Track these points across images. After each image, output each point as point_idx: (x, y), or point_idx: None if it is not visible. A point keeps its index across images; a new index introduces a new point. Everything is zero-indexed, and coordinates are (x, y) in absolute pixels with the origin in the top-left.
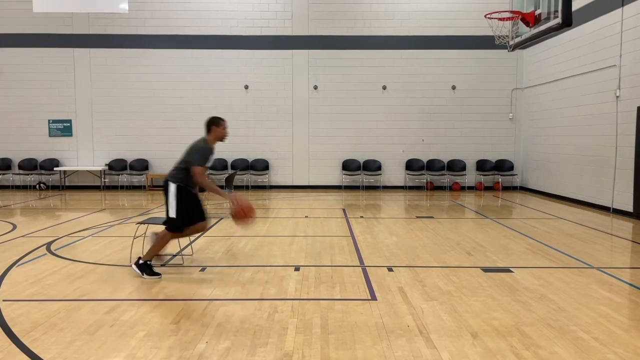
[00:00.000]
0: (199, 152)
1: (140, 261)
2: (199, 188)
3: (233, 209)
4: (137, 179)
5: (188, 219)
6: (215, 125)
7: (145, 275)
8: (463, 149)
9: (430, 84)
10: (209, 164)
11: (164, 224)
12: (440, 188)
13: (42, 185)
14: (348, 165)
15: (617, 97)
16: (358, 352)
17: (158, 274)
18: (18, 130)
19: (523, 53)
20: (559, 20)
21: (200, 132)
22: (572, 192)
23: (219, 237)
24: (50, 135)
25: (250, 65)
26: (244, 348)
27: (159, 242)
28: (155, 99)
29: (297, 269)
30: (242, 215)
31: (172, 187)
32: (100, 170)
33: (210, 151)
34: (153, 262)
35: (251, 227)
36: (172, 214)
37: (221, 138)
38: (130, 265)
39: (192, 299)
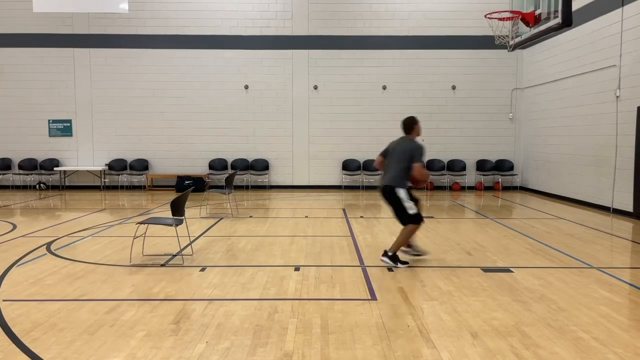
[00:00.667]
0: (419, 151)
1: (390, 253)
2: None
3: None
4: (137, 179)
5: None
6: (416, 124)
7: (399, 264)
8: (463, 149)
9: (430, 84)
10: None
11: (405, 223)
12: (440, 188)
13: (42, 185)
14: (348, 165)
15: (617, 97)
16: (358, 352)
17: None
18: (18, 130)
19: (523, 53)
20: (559, 20)
21: (200, 132)
22: (572, 192)
23: (219, 237)
24: (50, 135)
25: (250, 65)
26: (244, 348)
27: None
28: (155, 99)
29: (297, 269)
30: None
31: (402, 192)
32: (100, 170)
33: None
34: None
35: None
36: (412, 211)
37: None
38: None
39: (192, 299)
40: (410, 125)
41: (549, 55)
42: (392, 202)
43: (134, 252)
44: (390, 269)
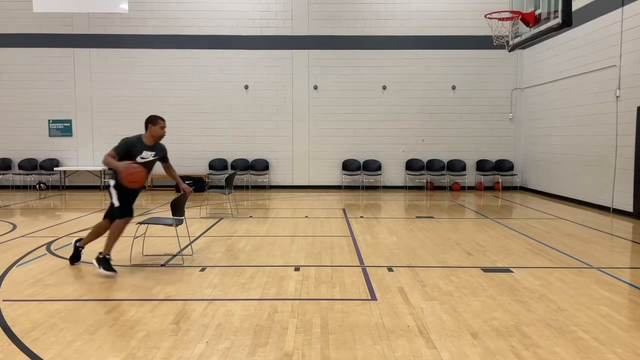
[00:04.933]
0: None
1: (100, 256)
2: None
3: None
4: None
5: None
6: (151, 122)
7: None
8: (463, 149)
9: (430, 84)
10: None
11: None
12: (440, 188)
13: (42, 185)
14: (348, 165)
15: (617, 97)
16: (358, 352)
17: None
18: (18, 130)
19: (523, 53)
20: (559, 20)
21: (200, 132)
22: (572, 192)
23: (219, 237)
24: (50, 135)
25: (250, 65)
26: (244, 348)
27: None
28: (155, 99)
29: (297, 269)
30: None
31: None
32: (100, 170)
33: (132, 145)
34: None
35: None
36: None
37: (158, 137)
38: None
39: (192, 299)
40: (145, 123)
41: (549, 55)
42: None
43: (134, 252)
44: (390, 269)
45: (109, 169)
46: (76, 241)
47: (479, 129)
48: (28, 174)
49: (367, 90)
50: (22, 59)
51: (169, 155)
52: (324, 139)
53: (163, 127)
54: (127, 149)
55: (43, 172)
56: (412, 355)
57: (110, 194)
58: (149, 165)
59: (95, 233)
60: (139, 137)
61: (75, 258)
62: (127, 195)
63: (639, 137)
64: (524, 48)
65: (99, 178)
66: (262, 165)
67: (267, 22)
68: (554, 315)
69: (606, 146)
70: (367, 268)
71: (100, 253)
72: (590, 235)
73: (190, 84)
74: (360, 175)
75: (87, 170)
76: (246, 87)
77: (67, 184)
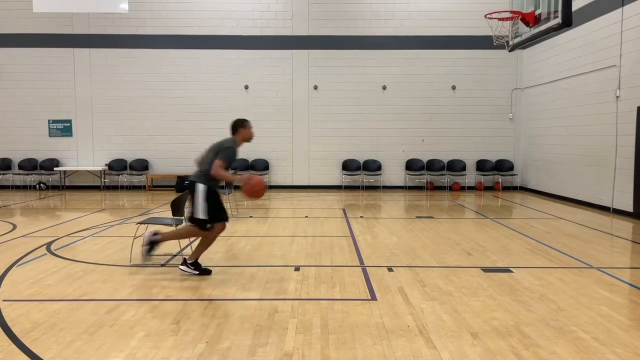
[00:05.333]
0: (225, 152)
1: (189, 261)
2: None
3: (244, 187)
4: (137, 179)
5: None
6: (242, 126)
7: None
8: (463, 149)
9: (430, 84)
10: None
11: (190, 221)
12: (440, 188)
13: (42, 185)
14: (348, 165)
15: (617, 97)
16: (358, 352)
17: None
18: (18, 130)
19: (523, 53)
20: (559, 20)
21: (200, 132)
22: (572, 192)
23: (219, 237)
24: (50, 135)
25: (250, 65)
26: (244, 348)
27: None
28: (155, 99)
29: (297, 269)
30: (251, 192)
31: (200, 187)
32: (100, 170)
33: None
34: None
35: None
36: (201, 214)
37: (248, 139)
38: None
39: (192, 299)
40: (234, 126)
41: (549, 55)
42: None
43: (134, 252)
44: (390, 269)
45: (209, 178)
46: (186, 262)
47: (479, 129)
48: (28, 174)
49: (367, 90)
50: (22, 59)
51: (169, 155)
52: (324, 139)
53: (252, 128)
54: (234, 156)
55: (43, 172)
56: (412, 355)
57: (197, 201)
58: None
59: (181, 236)
60: (234, 141)
61: (204, 271)
62: (217, 200)
63: (639, 137)
64: (524, 48)
65: (98, 178)
66: (262, 165)
67: (267, 22)
68: (554, 315)
69: (606, 146)
70: (367, 268)
71: (188, 258)
72: (590, 235)
73: (190, 84)
74: (360, 175)
75: (87, 170)
76: (246, 87)
77: (67, 184)
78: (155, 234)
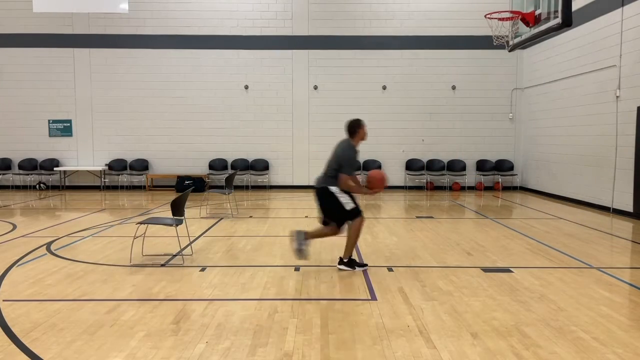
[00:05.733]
0: (346, 162)
1: (345, 259)
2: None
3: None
4: (137, 179)
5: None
6: (360, 127)
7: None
8: (463, 149)
9: (430, 84)
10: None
11: (339, 221)
12: (440, 188)
13: (42, 185)
14: None
15: (617, 97)
16: (358, 352)
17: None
18: (18, 130)
19: (523, 53)
20: (559, 20)
21: (200, 132)
22: (572, 192)
23: (219, 237)
24: (50, 135)
25: (250, 65)
26: (244, 348)
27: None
28: (155, 99)
29: (297, 269)
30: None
31: (334, 188)
32: (100, 170)
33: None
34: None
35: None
36: (348, 207)
37: (364, 138)
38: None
39: (192, 299)
40: (352, 128)
41: (549, 55)
42: (326, 202)
43: (134, 252)
44: (390, 269)
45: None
46: (343, 261)
47: (479, 129)
48: (28, 174)
49: (367, 90)
50: (22, 59)
51: (169, 155)
52: (324, 139)
53: (366, 127)
54: (355, 160)
55: (43, 172)
56: (412, 355)
57: (333, 202)
58: None
59: (325, 235)
60: (350, 145)
61: (359, 265)
62: (352, 195)
63: (639, 137)
64: (524, 48)
65: (98, 178)
66: (262, 165)
67: (267, 22)
68: (554, 315)
69: (606, 146)
70: (367, 268)
71: (343, 258)
72: (590, 235)
73: (190, 84)
74: (360, 176)
75: (87, 170)
76: (246, 87)
77: (67, 184)
78: (303, 238)
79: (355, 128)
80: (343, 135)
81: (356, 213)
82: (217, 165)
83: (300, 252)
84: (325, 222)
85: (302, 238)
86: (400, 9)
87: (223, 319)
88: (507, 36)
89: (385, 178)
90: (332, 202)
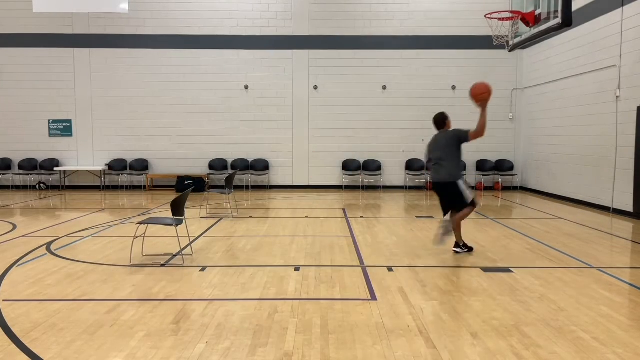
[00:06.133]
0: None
1: (461, 243)
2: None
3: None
4: (137, 179)
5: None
6: (447, 119)
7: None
8: (463, 148)
9: (430, 84)
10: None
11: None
12: None
13: (42, 185)
14: (348, 165)
15: (617, 97)
16: (358, 352)
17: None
18: (18, 130)
19: (523, 53)
20: (559, 20)
21: (200, 132)
22: (572, 192)
23: (219, 237)
24: (50, 135)
25: (250, 65)
26: (244, 348)
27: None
28: (155, 99)
29: (297, 269)
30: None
31: (460, 182)
32: (100, 170)
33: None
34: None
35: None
36: (470, 198)
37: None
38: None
39: (192, 299)
40: (442, 120)
41: (548, 55)
42: (452, 194)
43: (134, 252)
44: (390, 269)
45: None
46: (458, 246)
47: None
48: (28, 174)
49: (367, 90)
50: (22, 59)
51: (169, 155)
52: (324, 139)
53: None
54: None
55: (43, 172)
56: (412, 355)
57: (458, 192)
58: None
59: (458, 226)
60: (446, 131)
61: (471, 249)
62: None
63: (639, 137)
64: (524, 48)
65: (98, 178)
66: (262, 165)
67: (267, 22)
68: (554, 315)
69: (606, 146)
70: (367, 268)
71: (458, 244)
72: (590, 235)
73: (190, 83)
74: (360, 175)
75: (87, 170)
76: (246, 87)
77: (67, 184)
78: (448, 227)
79: (444, 120)
80: (343, 134)
81: (473, 203)
82: (217, 165)
83: (448, 234)
84: (446, 211)
85: (449, 225)
86: (400, 9)
87: (223, 319)
88: (507, 36)
89: (482, 84)
90: (457, 195)
